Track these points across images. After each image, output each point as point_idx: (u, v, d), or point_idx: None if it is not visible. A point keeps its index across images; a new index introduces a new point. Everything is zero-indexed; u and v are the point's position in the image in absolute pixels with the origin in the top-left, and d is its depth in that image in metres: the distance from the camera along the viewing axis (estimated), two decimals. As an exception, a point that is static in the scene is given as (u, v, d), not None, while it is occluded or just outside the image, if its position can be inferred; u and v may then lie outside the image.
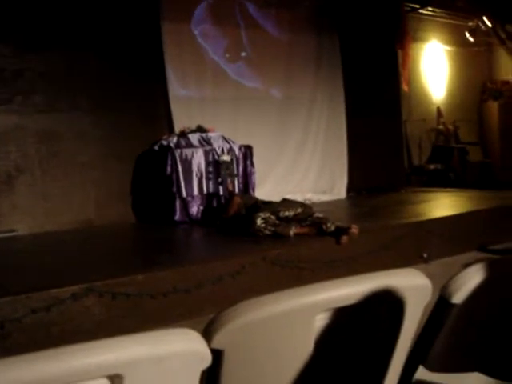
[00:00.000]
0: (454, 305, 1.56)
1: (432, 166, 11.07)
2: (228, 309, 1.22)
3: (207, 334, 1.19)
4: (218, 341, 1.19)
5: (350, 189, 9.51)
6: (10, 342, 3.79)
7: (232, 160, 7.20)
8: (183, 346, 1.09)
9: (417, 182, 10.71)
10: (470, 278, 1.56)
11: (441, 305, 1.58)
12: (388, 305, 1.39)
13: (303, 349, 1.30)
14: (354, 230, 5.48)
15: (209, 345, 1.17)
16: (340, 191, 9.30)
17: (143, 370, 1.05)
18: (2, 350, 3.71)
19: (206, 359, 1.15)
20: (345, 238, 5.45)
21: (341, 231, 5.51)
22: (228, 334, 1.20)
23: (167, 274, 4.55)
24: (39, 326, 3.91)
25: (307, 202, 8.41)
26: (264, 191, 7.94)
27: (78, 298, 4.09)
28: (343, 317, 1.32)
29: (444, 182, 10.62)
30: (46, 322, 3.94)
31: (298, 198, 8.45)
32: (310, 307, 1.26)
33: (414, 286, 1.44)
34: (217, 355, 1.20)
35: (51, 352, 0.96)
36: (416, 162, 11.34)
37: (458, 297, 1.55)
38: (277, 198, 7.93)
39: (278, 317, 1.23)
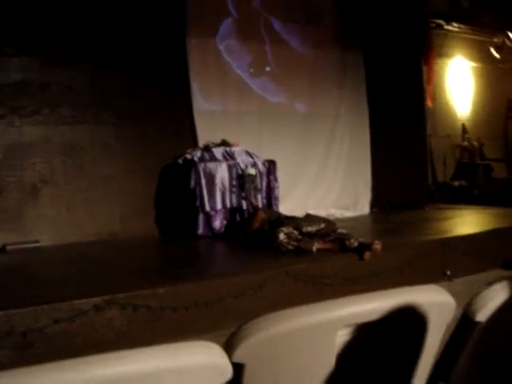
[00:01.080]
0: (477, 322, 1.54)
1: (456, 183, 10.98)
2: (249, 322, 1.22)
3: (228, 348, 1.19)
4: (239, 354, 1.19)
5: (373, 205, 9.46)
6: (32, 351, 3.81)
7: (257, 174, 7.20)
8: (204, 359, 1.09)
9: (441, 199, 10.62)
10: (495, 296, 1.54)
11: (464, 322, 1.56)
12: (411, 321, 1.38)
13: (325, 364, 1.30)
14: (377, 246, 5.44)
15: (230, 358, 1.17)
16: (363, 207, 9.26)
17: (164, 381, 1.05)
18: (24, 359, 3.73)
19: (227, 373, 1.15)
20: (368, 254, 5.41)
21: (364, 247, 5.47)
22: (249, 347, 1.19)
23: (189, 288, 4.56)
24: (61, 336, 3.93)
25: (330, 217, 8.39)
26: (287, 206, 7.93)
27: (100, 309, 4.11)
28: (365, 332, 1.32)
29: (468, 198, 10.52)
30: (68, 333, 3.96)
31: (321, 213, 8.43)
32: (332, 322, 1.25)
33: (437, 302, 1.42)
34: (238, 369, 1.20)
35: (73, 362, 0.97)
36: (440, 178, 11.26)
37: (482, 315, 1.53)
38: (300, 213, 7.92)
39: (299, 331, 1.23)
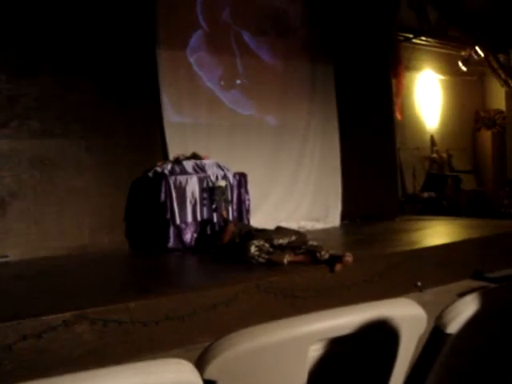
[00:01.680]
0: (448, 334, 1.54)
1: (426, 194, 11.10)
2: (221, 339, 1.21)
3: (200, 365, 1.18)
4: (211, 371, 1.18)
5: (344, 216, 9.49)
6: (0, 368, 3.74)
7: (227, 186, 7.20)
8: (175, 377, 1.08)
9: (410, 210, 10.72)
10: (465, 308, 1.55)
11: (435, 334, 1.56)
12: (383, 335, 1.38)
13: (297, 379, 1.29)
14: (348, 258, 5.47)
15: (202, 375, 1.15)
16: (334, 219, 9.29)
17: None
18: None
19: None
20: (339, 266, 5.43)
21: (335, 259, 5.49)
22: (221, 364, 1.18)
23: (160, 302, 4.52)
24: (30, 352, 3.87)
25: (301, 229, 8.41)
26: (258, 218, 7.93)
27: (69, 324, 4.05)
28: (338, 346, 1.31)
29: (438, 210, 10.64)
30: (36, 349, 3.90)
31: (292, 225, 8.44)
32: (304, 338, 1.24)
33: (408, 316, 1.43)
34: (210, 386, 1.18)
35: (48, 381, 0.95)
36: (410, 190, 11.38)
37: (453, 326, 1.53)
38: (271, 226, 7.91)
39: (271, 347, 1.22)
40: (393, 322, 1.36)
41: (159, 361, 1.08)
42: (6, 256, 6.49)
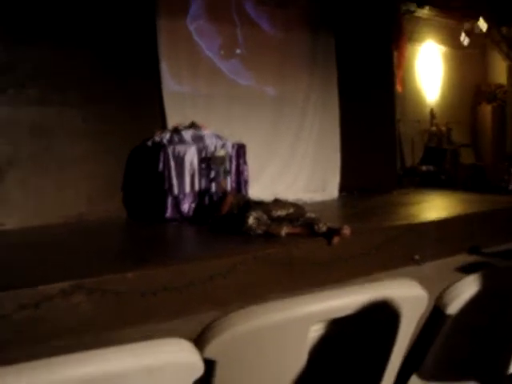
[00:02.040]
0: (448, 315, 1.54)
1: (424, 168, 11.06)
2: (221, 318, 1.20)
3: (199, 344, 1.17)
4: (211, 351, 1.17)
5: (342, 188, 9.47)
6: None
7: (226, 155, 7.16)
8: (175, 357, 1.07)
9: (409, 183, 10.69)
10: (466, 289, 1.54)
11: (435, 315, 1.56)
12: (383, 315, 1.37)
13: (297, 359, 1.28)
14: (346, 231, 5.47)
15: (201, 354, 1.14)
16: (332, 191, 9.27)
17: (134, 381, 1.03)
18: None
19: (198, 369, 1.12)
20: (336, 239, 5.44)
21: (332, 232, 5.50)
22: (221, 344, 1.17)
23: (157, 273, 4.53)
24: (27, 322, 3.87)
25: (299, 201, 8.39)
26: (256, 190, 7.91)
27: (66, 294, 4.05)
28: (338, 327, 1.30)
29: (436, 183, 10.62)
30: (34, 319, 3.90)
31: (290, 197, 8.42)
32: (304, 318, 1.23)
33: (410, 297, 1.42)
34: (209, 365, 1.18)
35: (35, 364, 0.93)
36: (408, 162, 11.34)
37: (453, 307, 1.53)
38: (269, 197, 7.90)
39: (271, 328, 1.21)
40: (394, 302, 1.35)
41: (158, 340, 1.07)
42: (3, 224, 6.47)
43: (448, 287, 1.57)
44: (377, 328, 1.41)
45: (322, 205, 8.32)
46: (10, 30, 6.59)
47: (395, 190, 9.80)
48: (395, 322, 1.40)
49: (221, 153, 7.05)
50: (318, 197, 8.91)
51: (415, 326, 1.52)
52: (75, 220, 6.88)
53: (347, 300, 1.29)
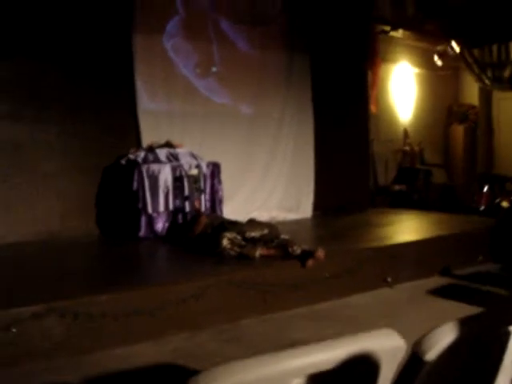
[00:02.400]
0: (426, 362, 1.55)
1: (397, 187, 11.17)
2: (202, 374, 1.18)
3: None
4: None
5: (316, 207, 9.50)
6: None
7: (200, 174, 7.15)
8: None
9: (381, 203, 10.77)
10: (444, 337, 1.55)
11: (413, 361, 1.56)
12: (363, 367, 1.37)
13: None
14: (320, 253, 5.47)
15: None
16: (306, 210, 9.29)
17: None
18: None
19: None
20: (310, 262, 5.43)
21: (307, 254, 5.49)
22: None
23: (131, 295, 4.48)
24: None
25: (273, 220, 8.41)
26: (230, 208, 7.90)
27: (38, 317, 4.00)
28: (319, 381, 1.30)
29: (408, 202, 10.72)
30: (4, 342, 3.84)
31: (264, 215, 8.46)
32: (285, 373, 1.23)
33: (389, 347, 1.42)
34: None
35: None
36: (382, 182, 11.43)
37: (431, 354, 1.54)
38: (243, 215, 7.92)
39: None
40: (373, 354, 1.35)
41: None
42: (-26, 242, 6.38)
43: (426, 333, 1.58)
44: (356, 379, 1.41)
45: (296, 224, 8.33)
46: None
47: (369, 209, 9.86)
48: (374, 373, 1.40)
49: (193, 172, 7.04)
50: (292, 216, 8.94)
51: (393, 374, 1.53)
52: (48, 236, 6.81)
53: (327, 355, 1.29)
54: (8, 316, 3.87)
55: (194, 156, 7.37)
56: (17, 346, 3.90)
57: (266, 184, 8.91)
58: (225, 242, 5.66)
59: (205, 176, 7.28)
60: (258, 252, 5.59)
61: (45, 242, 6.67)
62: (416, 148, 12.09)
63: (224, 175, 7.66)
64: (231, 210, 7.85)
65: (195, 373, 2.96)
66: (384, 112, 11.49)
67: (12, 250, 6.24)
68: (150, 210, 6.81)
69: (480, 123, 12.72)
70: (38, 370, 3.82)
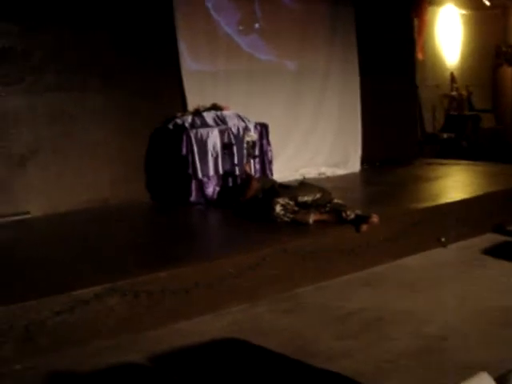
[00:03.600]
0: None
1: (445, 135, 10.97)
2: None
3: None
4: None
5: (363, 159, 9.43)
6: (34, 345, 3.79)
7: (255, 141, 7.14)
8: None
9: (430, 151, 10.60)
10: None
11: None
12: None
13: None
14: (375, 219, 5.42)
15: None
16: (354, 164, 9.22)
17: None
18: (29, 353, 3.72)
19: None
20: (365, 227, 5.39)
21: (361, 219, 5.44)
22: None
23: (189, 270, 4.52)
24: (63, 327, 3.90)
25: (321, 175, 8.38)
26: (278, 165, 7.89)
27: (100, 298, 4.07)
28: None
29: (457, 150, 10.53)
30: (70, 323, 3.93)
31: (312, 171, 8.44)
32: None
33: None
34: None
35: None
36: (429, 129, 11.21)
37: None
38: (291, 172, 7.97)
39: None
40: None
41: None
42: (28, 213, 6.50)
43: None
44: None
45: (345, 181, 8.29)
46: (23, 16, 6.47)
47: (417, 160, 9.73)
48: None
49: (252, 137, 7.01)
50: (340, 171, 8.90)
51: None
52: (99, 205, 6.90)
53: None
54: (72, 299, 3.94)
55: (241, 118, 7.31)
56: (83, 326, 3.99)
57: (313, 140, 8.85)
58: (278, 208, 5.64)
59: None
60: (312, 218, 5.55)
61: (97, 210, 6.77)
62: (463, 92, 11.80)
63: (271, 133, 7.60)
64: (279, 167, 7.88)
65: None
66: (430, 57, 11.19)
67: (66, 223, 6.34)
68: (199, 174, 6.82)
69: (530, 64, 12.29)
70: (103, 348, 3.90)
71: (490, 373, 1.57)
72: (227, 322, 4.37)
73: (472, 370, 3.28)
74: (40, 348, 3.80)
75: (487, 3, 11.17)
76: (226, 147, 6.99)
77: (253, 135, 7.08)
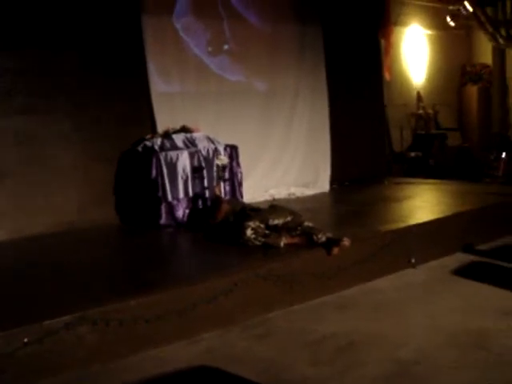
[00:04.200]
0: None
1: (413, 154, 11.11)
2: None
3: None
4: None
5: (332, 178, 9.48)
6: (2, 377, 3.71)
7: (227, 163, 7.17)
8: None
9: (398, 170, 10.72)
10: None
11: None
12: None
13: None
14: (346, 242, 5.43)
15: None
16: (323, 184, 9.26)
17: None
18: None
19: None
20: (336, 250, 5.40)
21: (332, 242, 5.45)
22: None
23: (160, 297, 4.48)
24: (33, 358, 3.83)
25: (291, 196, 8.42)
26: (247, 186, 7.88)
27: (71, 327, 4.01)
28: None
29: (424, 169, 10.67)
30: (39, 354, 3.86)
31: (282, 192, 8.48)
32: None
33: None
34: None
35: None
36: (397, 148, 11.34)
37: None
38: (261, 192, 7.98)
39: None
40: None
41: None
42: (-8, 236, 6.40)
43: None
44: None
45: (315, 201, 8.32)
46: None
47: (386, 180, 9.82)
48: None
49: (223, 160, 7.02)
50: (310, 191, 8.93)
51: None
52: (67, 228, 6.81)
53: None
54: (42, 328, 3.87)
55: (211, 140, 7.31)
56: (53, 356, 3.92)
57: (282, 160, 8.89)
58: (249, 232, 5.61)
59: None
60: (283, 241, 5.55)
61: (65, 233, 6.68)
62: (430, 111, 11.97)
63: (241, 153, 7.60)
64: (249, 188, 7.88)
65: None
66: (397, 76, 11.33)
67: (32, 244, 6.28)
68: (169, 197, 6.79)
69: (494, 83, 12.52)
70: (74, 378, 3.84)
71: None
72: (200, 349, 4.33)
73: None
74: (8, 381, 3.72)
75: (452, 24, 11.34)
76: (196, 170, 6.98)
77: (223, 159, 7.09)
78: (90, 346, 4.08)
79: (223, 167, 7.09)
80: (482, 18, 11.72)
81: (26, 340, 3.79)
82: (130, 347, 4.25)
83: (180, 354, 4.22)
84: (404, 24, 11.44)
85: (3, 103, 6.53)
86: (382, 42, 10.26)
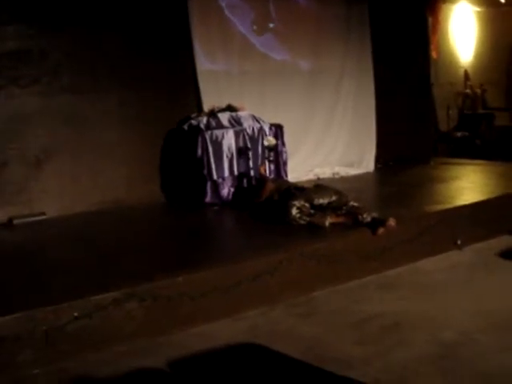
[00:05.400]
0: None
1: (459, 134, 10.92)
2: None
3: None
4: None
5: (377, 159, 9.41)
6: (55, 349, 3.81)
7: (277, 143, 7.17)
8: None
9: (444, 151, 10.56)
10: None
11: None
12: None
13: None
14: (392, 223, 5.37)
15: None
16: (368, 164, 9.20)
17: None
18: (48, 358, 3.74)
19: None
20: (381, 230, 5.35)
21: (377, 223, 5.41)
22: None
23: (206, 275, 4.52)
24: (82, 332, 3.92)
25: (335, 176, 8.38)
26: (292, 165, 7.88)
27: (119, 303, 4.08)
28: None
29: (471, 149, 10.49)
30: (88, 328, 3.95)
31: (327, 171, 8.43)
32: None
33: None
34: None
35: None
36: (443, 127, 11.16)
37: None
38: (305, 172, 7.93)
39: None
40: None
41: None
42: (44, 214, 6.53)
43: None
44: None
45: (359, 181, 8.26)
46: (39, 17, 6.52)
47: (431, 160, 9.69)
48: None
49: (272, 141, 7.01)
50: (355, 171, 8.89)
51: None
52: (113, 206, 6.93)
53: None
54: (91, 304, 3.95)
55: (256, 119, 7.31)
56: (102, 331, 4.00)
57: (327, 140, 8.85)
58: (294, 211, 5.62)
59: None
60: (328, 220, 5.54)
61: (111, 211, 6.80)
62: (477, 90, 11.73)
63: (285, 133, 7.59)
64: (293, 167, 7.87)
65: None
66: (443, 54, 11.12)
67: (81, 222, 6.39)
68: (215, 176, 6.84)
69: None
70: (121, 353, 3.91)
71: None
72: (245, 327, 4.36)
73: (490, 377, 3.32)
74: (59, 353, 3.82)
75: (502, 0, 11.06)
76: (241, 149, 6.99)
77: (271, 139, 7.07)
78: (138, 322, 4.16)
79: (270, 148, 7.07)
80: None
81: (76, 314, 3.89)
82: (176, 324, 4.31)
83: (224, 332, 4.25)
84: (452, 1, 11.18)
85: (50, 82, 6.64)
86: (430, 19, 10.08)
